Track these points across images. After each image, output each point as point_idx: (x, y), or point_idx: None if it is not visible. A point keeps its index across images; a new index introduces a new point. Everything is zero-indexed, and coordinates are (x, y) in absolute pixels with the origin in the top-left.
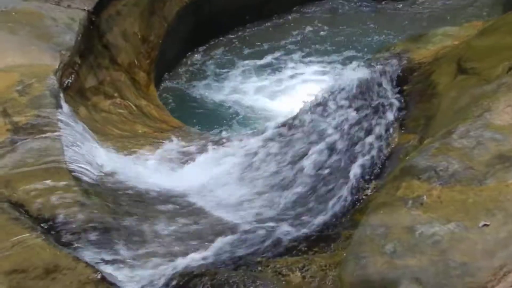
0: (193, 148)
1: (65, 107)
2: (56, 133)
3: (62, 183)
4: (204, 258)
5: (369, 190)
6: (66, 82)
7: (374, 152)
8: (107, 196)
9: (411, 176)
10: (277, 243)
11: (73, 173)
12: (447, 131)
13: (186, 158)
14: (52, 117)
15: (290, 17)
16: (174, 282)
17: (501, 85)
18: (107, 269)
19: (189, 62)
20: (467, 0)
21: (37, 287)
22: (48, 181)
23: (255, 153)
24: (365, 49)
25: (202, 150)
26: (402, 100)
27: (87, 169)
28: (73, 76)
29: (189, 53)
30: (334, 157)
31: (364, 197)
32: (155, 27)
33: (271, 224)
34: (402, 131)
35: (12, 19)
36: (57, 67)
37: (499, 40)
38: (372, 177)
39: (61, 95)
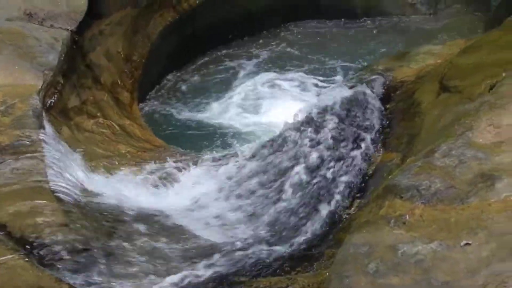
0: (176, 168)
1: (48, 127)
2: (39, 154)
3: (45, 203)
4: (187, 278)
5: (352, 209)
6: (49, 102)
7: (357, 171)
8: (90, 216)
9: (394, 195)
10: (260, 263)
11: (56, 194)
12: (429, 150)
13: (169, 178)
14: (35, 137)
15: (273, 36)
16: None
17: (483, 103)
18: None
19: (173, 81)
20: (451, 19)
21: None
22: (31, 202)
23: (238, 173)
24: (349, 68)
25: (185, 170)
26: (385, 119)
27: (70, 190)
28: (56, 96)
29: (173, 71)
30: (317, 176)
31: (347, 215)
32: (139, 46)
33: (254, 243)
34: (385, 150)
35: None
36: (40, 87)
37: (482, 58)
38: (355, 196)
39: (44, 115)
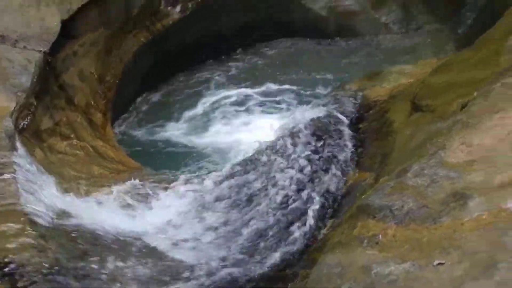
0: (149, 190)
1: (21, 149)
2: (11, 176)
3: (18, 226)
4: None
5: (326, 229)
6: (22, 124)
7: (330, 191)
8: (64, 239)
9: (367, 215)
10: (234, 284)
11: (28, 216)
12: (402, 169)
13: (142, 199)
14: (8, 159)
15: (246, 56)
16: None
17: (456, 123)
18: None
19: (147, 101)
20: (423, 38)
21: None
22: (3, 225)
23: (211, 194)
24: (321, 87)
25: (158, 191)
26: (358, 138)
27: (43, 212)
28: (29, 117)
29: (147, 92)
30: (290, 197)
31: (321, 235)
32: (112, 66)
33: (228, 264)
34: (359, 169)
35: None
36: (13, 109)
37: (453, 78)
38: (328, 216)
39: (17, 137)
